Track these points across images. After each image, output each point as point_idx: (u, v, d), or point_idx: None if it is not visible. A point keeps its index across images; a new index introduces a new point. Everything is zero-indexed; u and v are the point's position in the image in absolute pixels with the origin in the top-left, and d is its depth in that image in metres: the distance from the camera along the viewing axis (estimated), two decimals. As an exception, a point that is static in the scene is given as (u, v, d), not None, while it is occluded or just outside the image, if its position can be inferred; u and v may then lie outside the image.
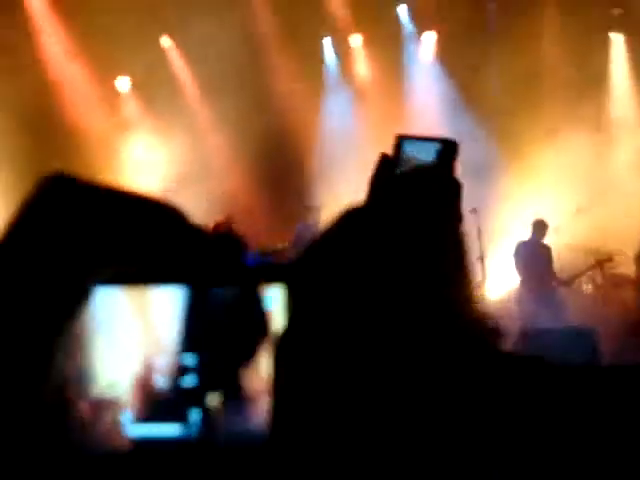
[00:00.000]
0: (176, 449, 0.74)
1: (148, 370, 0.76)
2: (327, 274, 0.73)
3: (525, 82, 11.26)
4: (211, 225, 9.47)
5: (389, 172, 1.44)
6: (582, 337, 7.82)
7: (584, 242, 10.11)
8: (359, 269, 0.73)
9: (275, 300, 0.75)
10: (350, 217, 0.78)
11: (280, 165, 11.56)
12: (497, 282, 10.51)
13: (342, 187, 11.02)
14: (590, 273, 9.80)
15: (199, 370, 0.76)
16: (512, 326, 8.89)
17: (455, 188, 1.28)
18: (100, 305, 0.73)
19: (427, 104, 11.94)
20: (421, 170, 1.27)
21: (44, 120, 10.83)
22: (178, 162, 11.46)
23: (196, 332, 0.76)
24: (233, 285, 0.77)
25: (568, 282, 9.64)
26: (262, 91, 11.66)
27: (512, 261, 9.89)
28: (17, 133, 10.30)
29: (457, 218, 1.31)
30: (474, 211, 9.16)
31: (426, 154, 1.47)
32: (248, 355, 0.76)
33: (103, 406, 0.75)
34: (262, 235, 10.66)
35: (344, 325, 0.71)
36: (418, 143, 1.45)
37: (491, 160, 11.00)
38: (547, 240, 9.94)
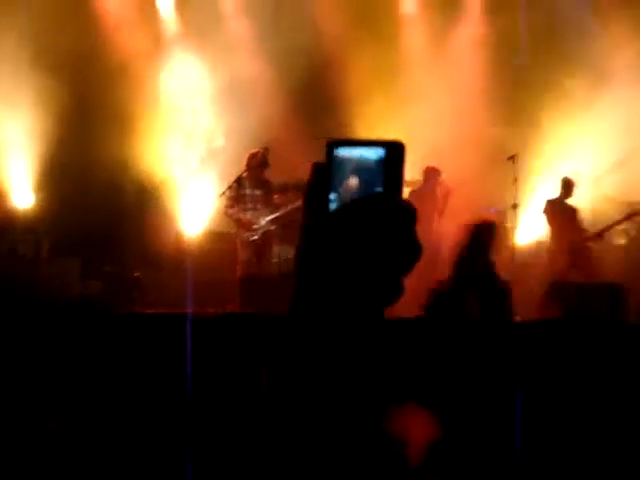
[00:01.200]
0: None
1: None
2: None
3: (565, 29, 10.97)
4: (247, 155, 9.52)
5: (323, 181, 1.44)
6: (609, 293, 7.82)
7: (622, 195, 9.99)
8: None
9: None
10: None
11: (320, 99, 11.45)
12: (530, 230, 10.47)
13: (380, 125, 10.99)
14: (623, 226, 9.70)
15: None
16: (544, 276, 8.92)
17: (407, 216, 1.29)
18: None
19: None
20: (369, 202, 1.29)
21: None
22: (217, 86, 11.43)
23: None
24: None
25: (599, 235, 9.57)
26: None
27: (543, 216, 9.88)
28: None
29: (416, 248, 1.32)
30: (513, 158, 9.08)
31: (367, 159, 1.43)
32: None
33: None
34: (296, 168, 10.69)
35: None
36: (356, 148, 1.41)
37: (533, 109, 10.82)
38: (584, 191, 9.88)
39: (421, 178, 10.22)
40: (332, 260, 1.25)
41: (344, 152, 1.37)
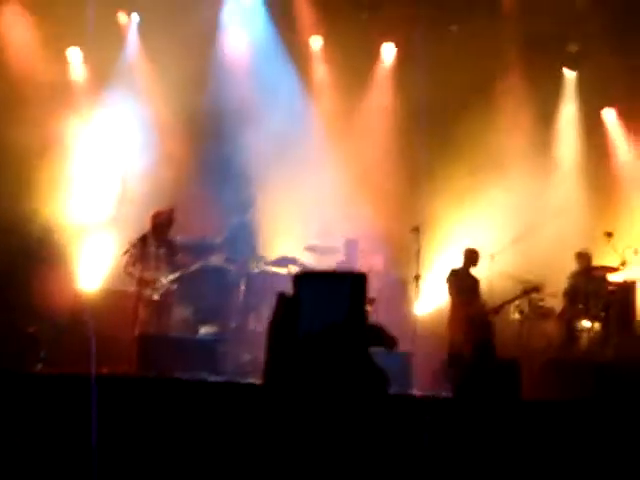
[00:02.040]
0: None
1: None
2: None
3: (475, 105, 11.43)
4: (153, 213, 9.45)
5: (289, 312, 1.52)
6: (504, 369, 8.02)
7: (516, 272, 10.34)
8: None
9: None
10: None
11: (225, 156, 11.51)
12: (429, 300, 10.70)
13: (277, 186, 11.13)
14: (518, 302, 10.04)
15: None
16: (439, 349, 9.11)
17: (375, 340, 1.35)
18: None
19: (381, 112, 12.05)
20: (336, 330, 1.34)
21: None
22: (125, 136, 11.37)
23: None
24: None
25: (496, 310, 9.87)
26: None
27: (444, 286, 10.13)
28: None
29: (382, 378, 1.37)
30: (416, 230, 9.31)
31: (332, 292, 1.53)
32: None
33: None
34: (201, 226, 10.68)
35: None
36: (322, 279, 1.49)
37: (437, 184, 11.20)
38: (481, 267, 10.18)
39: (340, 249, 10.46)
40: (304, 381, 1.22)
41: (311, 284, 1.42)
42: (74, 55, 11.98)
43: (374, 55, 12.40)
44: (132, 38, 12.11)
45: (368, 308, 7.09)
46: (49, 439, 5.90)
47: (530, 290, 9.84)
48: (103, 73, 11.72)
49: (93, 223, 10.95)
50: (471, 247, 10.20)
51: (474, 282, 10.09)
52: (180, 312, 9.87)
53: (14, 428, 5.94)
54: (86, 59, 11.93)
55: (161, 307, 9.28)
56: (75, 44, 11.87)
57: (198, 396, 6.52)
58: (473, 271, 10.13)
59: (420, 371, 8.49)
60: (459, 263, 10.14)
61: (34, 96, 11.01)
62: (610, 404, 7.25)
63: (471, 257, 10.12)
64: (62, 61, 11.85)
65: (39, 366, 8.43)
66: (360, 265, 10.16)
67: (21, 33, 11.49)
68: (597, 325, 9.91)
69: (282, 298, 1.23)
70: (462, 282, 9.99)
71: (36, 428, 5.98)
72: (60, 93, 11.43)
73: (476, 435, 6.38)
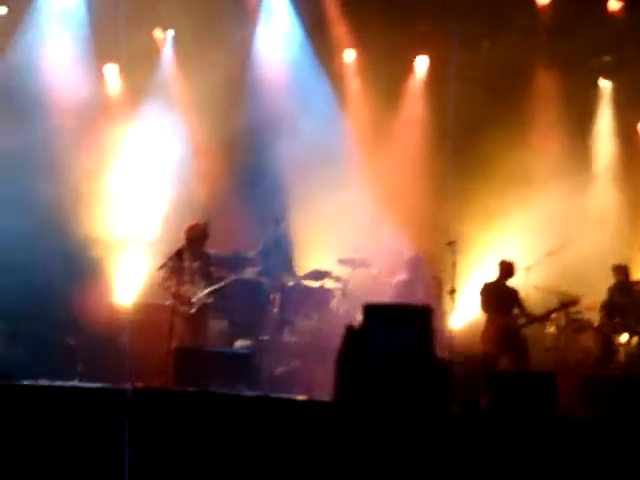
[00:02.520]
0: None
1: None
2: None
3: (509, 118, 11.41)
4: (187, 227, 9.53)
5: (356, 345, 1.55)
6: (541, 383, 7.93)
7: (552, 285, 10.27)
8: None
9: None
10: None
11: (260, 170, 11.59)
12: (465, 314, 10.66)
13: (310, 199, 11.19)
14: (554, 315, 9.95)
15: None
16: (475, 363, 9.04)
17: (440, 370, 1.35)
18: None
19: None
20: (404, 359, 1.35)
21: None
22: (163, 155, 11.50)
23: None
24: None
25: (532, 323, 9.79)
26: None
27: (478, 299, 10.08)
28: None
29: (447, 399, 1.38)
30: (452, 244, 9.26)
31: (399, 326, 1.55)
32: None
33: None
34: (236, 239, 10.75)
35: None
36: (389, 312, 1.51)
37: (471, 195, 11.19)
38: (516, 280, 10.12)
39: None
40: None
41: (379, 316, 1.44)
42: (111, 71, 12.15)
43: (407, 68, 12.44)
44: (167, 53, 12.26)
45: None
46: (85, 453, 5.94)
47: (568, 303, 9.76)
48: (139, 89, 11.87)
49: (139, 241, 11.09)
50: (507, 259, 10.15)
51: (511, 294, 10.01)
52: (215, 326, 9.93)
53: (52, 441, 6.00)
54: (122, 75, 12.10)
55: (197, 320, 9.32)
56: (112, 61, 12.06)
57: (234, 410, 6.54)
58: (509, 283, 10.07)
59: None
60: (494, 277, 10.10)
61: (72, 111, 11.20)
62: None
63: (507, 269, 10.06)
64: (99, 78, 12.03)
65: (77, 380, 8.52)
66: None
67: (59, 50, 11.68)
68: (635, 339, 9.81)
69: (350, 330, 1.25)
70: (496, 295, 9.93)
71: (73, 441, 6.03)
72: (98, 108, 11.62)
73: (513, 450, 6.33)
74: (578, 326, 10.01)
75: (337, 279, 10.20)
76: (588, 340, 9.91)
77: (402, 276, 10.58)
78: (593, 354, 9.74)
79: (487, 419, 7.01)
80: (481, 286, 10.08)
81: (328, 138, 11.78)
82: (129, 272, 11.08)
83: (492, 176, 11.25)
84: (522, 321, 9.82)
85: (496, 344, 9.54)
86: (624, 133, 12.10)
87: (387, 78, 12.06)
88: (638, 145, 12.09)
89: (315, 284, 10.18)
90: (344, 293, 10.12)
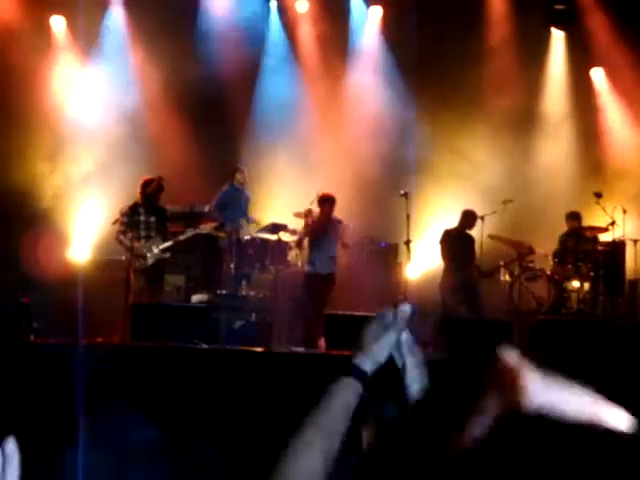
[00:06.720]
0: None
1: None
2: None
3: (464, 68, 11.38)
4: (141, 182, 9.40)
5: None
6: (498, 329, 8.08)
7: (506, 234, 10.38)
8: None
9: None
10: None
11: (214, 124, 11.44)
12: (420, 265, 10.72)
13: (267, 154, 11.11)
14: (508, 263, 10.08)
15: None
16: (433, 310, 9.15)
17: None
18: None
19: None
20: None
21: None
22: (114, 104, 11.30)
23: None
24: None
25: (488, 273, 9.90)
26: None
27: (438, 248, 10.14)
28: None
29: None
30: (405, 195, 9.30)
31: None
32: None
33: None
34: (191, 194, 10.64)
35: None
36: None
37: (426, 145, 11.20)
38: (473, 230, 10.21)
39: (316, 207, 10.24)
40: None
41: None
42: (58, 23, 11.87)
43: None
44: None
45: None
46: (39, 409, 5.91)
47: (524, 253, 9.88)
48: (87, 39, 11.59)
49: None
50: (469, 208, 10.21)
51: (470, 242, 10.10)
52: (172, 281, 9.88)
53: (5, 396, 5.95)
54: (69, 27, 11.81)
55: (153, 276, 9.26)
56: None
57: (193, 364, 6.54)
58: (469, 232, 10.16)
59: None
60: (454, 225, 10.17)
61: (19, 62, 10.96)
62: (599, 363, 7.31)
63: (469, 218, 10.11)
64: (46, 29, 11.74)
65: (32, 336, 8.43)
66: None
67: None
68: (587, 285, 9.98)
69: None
70: (456, 244, 10.01)
71: (28, 395, 5.98)
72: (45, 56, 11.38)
73: (474, 395, 6.42)
74: (531, 274, 10.15)
75: (293, 232, 10.18)
76: (541, 288, 10.06)
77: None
78: (546, 301, 9.89)
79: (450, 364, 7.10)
80: (442, 234, 10.14)
81: (290, 93, 11.72)
82: (83, 227, 10.95)
83: (450, 118, 11.28)
84: (480, 271, 9.95)
85: (454, 293, 9.65)
86: (576, 81, 12.15)
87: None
88: (590, 93, 12.16)
89: (272, 237, 10.15)
90: (300, 245, 10.10)
